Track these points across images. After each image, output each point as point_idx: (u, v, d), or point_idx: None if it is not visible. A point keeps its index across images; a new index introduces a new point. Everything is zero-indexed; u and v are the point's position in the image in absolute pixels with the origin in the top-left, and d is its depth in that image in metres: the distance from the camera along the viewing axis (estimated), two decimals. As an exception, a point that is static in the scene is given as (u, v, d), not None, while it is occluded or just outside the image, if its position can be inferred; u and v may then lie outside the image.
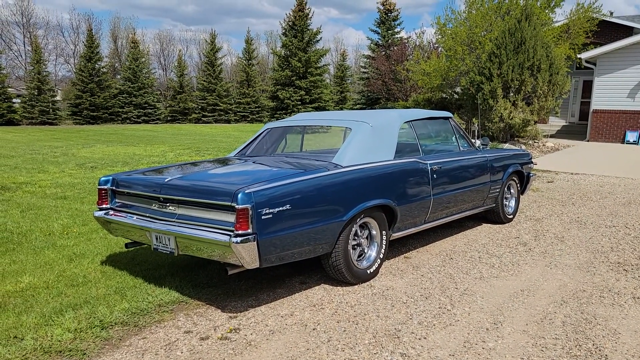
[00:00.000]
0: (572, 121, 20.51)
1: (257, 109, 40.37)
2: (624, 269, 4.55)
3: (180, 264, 4.70)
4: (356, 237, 4.14)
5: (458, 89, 18.09)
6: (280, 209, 3.44)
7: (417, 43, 22.32)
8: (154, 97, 39.09)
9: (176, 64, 41.37)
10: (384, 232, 4.34)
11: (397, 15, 27.70)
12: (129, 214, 4.13)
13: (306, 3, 26.80)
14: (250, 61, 39.84)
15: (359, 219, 4.08)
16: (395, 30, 27.91)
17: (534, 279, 4.32)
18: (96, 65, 36.36)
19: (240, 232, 3.27)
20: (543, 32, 14.27)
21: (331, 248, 3.90)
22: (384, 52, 25.58)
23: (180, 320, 3.56)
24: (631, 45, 15.49)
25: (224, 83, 39.52)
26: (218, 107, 37.76)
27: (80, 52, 47.66)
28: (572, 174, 10.33)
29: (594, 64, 16.28)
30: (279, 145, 5.27)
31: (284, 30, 27.76)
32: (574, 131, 18.96)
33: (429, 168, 4.76)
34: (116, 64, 50.33)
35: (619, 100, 15.84)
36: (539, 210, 7.01)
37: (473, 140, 5.80)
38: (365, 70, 29.17)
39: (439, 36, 18.02)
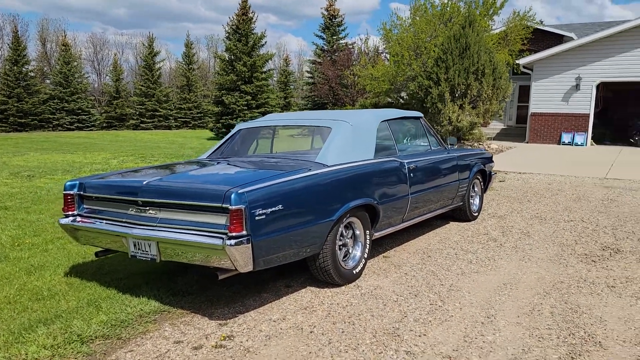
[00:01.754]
0: (509, 124, 21.49)
1: (199, 115, 39.46)
2: (592, 260, 4.75)
3: (153, 271, 4.46)
4: (341, 238, 4.08)
5: (404, 94, 18.49)
6: (273, 209, 3.33)
7: (363, 49, 22.69)
8: (88, 103, 37.22)
9: (112, 68, 39.73)
10: (367, 231, 4.30)
11: (341, 21, 28.04)
12: (100, 220, 3.86)
13: (250, 7, 26.50)
14: (190, 65, 38.94)
15: (345, 219, 4.02)
16: (340, 35, 28.25)
17: (513, 272, 4.42)
18: (23, 69, 34.21)
19: (233, 234, 3.12)
20: (484, 38, 14.85)
21: (320, 249, 3.81)
22: (329, 57, 25.78)
23: (167, 330, 3.35)
24: (564, 51, 16.43)
25: (164, 88, 38.34)
26: (157, 113, 36.57)
27: (4, 55, 44.79)
28: (520, 173, 10.77)
29: (531, 69, 17.14)
30: (253, 146, 5.13)
31: (227, 34, 27.26)
32: (512, 134, 19.86)
33: (407, 167, 4.79)
34: (45, 68, 47.68)
35: (555, 103, 16.75)
36: (499, 207, 7.23)
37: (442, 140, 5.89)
38: (311, 75, 29.28)
39: (386, 42, 18.37)
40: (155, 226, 3.51)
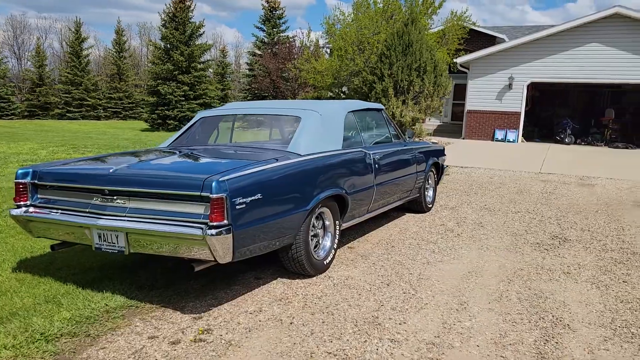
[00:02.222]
0: (445, 121, 22.26)
1: (130, 105, 37.82)
2: (545, 249, 5.00)
3: (111, 265, 4.22)
4: (313, 228, 4.04)
5: (345, 89, 18.66)
6: (253, 198, 3.23)
7: (306, 42, 22.65)
8: (7, 90, 34.70)
9: (34, 54, 37.20)
10: (337, 222, 4.29)
11: (282, 13, 27.82)
12: (59, 211, 3.58)
13: (187, -6, 25.69)
14: (121, 53, 37.20)
15: (317, 209, 3.98)
16: (281, 28, 28.02)
17: (475, 261, 4.57)
18: None
19: (214, 223, 3.00)
20: (425, 36, 15.24)
21: (294, 239, 3.75)
22: (270, 50, 25.52)
23: (139, 326, 3.17)
24: (499, 52, 17.21)
25: (92, 76, 36.37)
26: (85, 102, 34.65)
27: None
28: (462, 167, 11.18)
29: (468, 68, 17.81)
30: (215, 134, 4.95)
31: (163, 22, 26.25)
32: (448, 130, 20.59)
33: (372, 158, 4.81)
34: (-42, 51, 43.83)
35: (489, 101, 17.52)
36: (449, 199, 7.46)
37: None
38: (250, 68, 28.83)
39: (329, 36, 18.41)
40: (125, 216, 3.30)
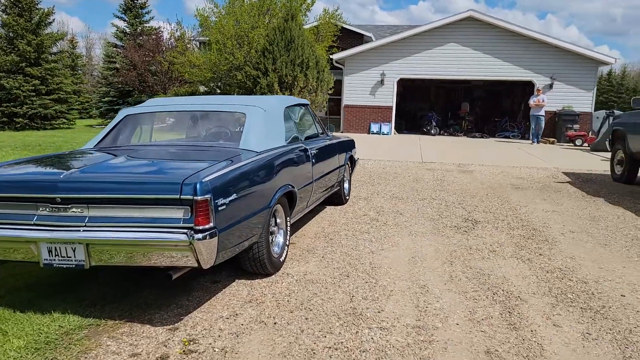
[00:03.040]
0: (321, 116, 22.96)
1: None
2: (464, 231, 5.49)
3: (41, 282, 3.74)
4: (270, 225, 3.98)
5: (220, 84, 18.28)
6: (230, 198, 3.12)
7: (178, 34, 21.62)
8: None
9: None
10: (288, 218, 4.27)
11: (145, 3, 26.12)
12: None
13: (32, -23, 22.99)
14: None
15: (275, 206, 3.93)
16: (144, 19, 26.34)
17: (412, 247, 4.86)
18: None
19: (200, 227, 2.83)
20: (305, 32, 15.54)
21: (258, 238, 3.67)
22: (133, 41, 23.86)
23: (111, 345, 2.88)
24: (371, 49, 18.20)
25: None
26: None
27: None
28: (353, 159, 11.66)
29: (343, 65, 18.56)
30: (147, 133, 4.60)
31: (4, 7, 23.26)
32: (326, 124, 21.28)
33: (310, 152, 4.86)
34: None
35: (364, 96, 18.46)
36: (358, 190, 7.77)
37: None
38: (112, 60, 26.73)
39: (204, 29, 17.82)
40: (84, 226, 2.95)
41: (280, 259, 4.11)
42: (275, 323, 3.19)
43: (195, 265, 2.94)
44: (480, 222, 5.86)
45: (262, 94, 14.38)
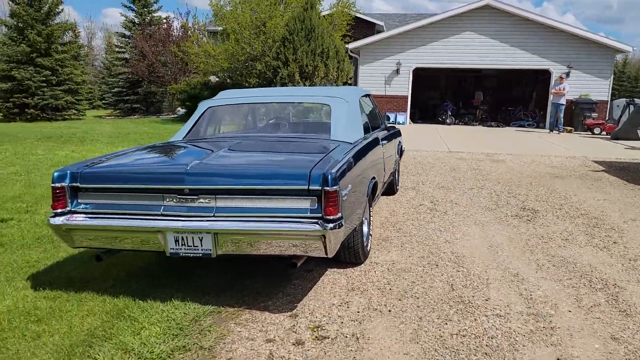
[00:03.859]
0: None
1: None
2: (527, 220, 5.54)
3: (146, 273, 3.77)
4: (360, 215, 4.03)
5: (237, 74, 18.23)
6: (349, 189, 3.17)
7: (191, 24, 21.49)
8: None
9: None
10: (371, 208, 4.31)
11: (154, -8, 25.93)
12: (116, 216, 3.12)
13: (40, -33, 22.76)
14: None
15: (369, 195, 3.97)
16: (152, 8, 26.13)
17: (483, 236, 4.91)
18: None
19: (331, 217, 2.88)
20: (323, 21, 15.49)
21: (358, 227, 3.72)
22: (142, 31, 23.67)
23: (242, 331, 2.96)
24: (386, 38, 18.16)
25: None
26: None
27: None
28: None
29: (358, 54, 18.53)
30: (232, 125, 4.63)
31: (12, -3, 23.07)
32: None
33: (381, 142, 4.90)
34: None
35: (380, 86, 18.45)
36: (403, 181, 7.81)
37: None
38: (122, 50, 26.54)
39: (218, 18, 17.72)
40: (212, 216, 2.99)
41: (367, 248, 4.16)
42: (389, 311, 3.24)
43: (322, 254, 2.98)
44: (539, 211, 5.91)
45: (282, 84, 14.36)
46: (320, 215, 2.90)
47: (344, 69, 14.97)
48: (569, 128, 16.52)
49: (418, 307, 3.30)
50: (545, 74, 17.89)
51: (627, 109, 14.55)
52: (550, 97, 16.30)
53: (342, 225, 2.93)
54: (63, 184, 3.13)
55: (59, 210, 3.13)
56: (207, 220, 2.98)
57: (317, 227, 2.85)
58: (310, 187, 2.89)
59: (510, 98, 21.47)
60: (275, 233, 2.91)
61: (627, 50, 17.40)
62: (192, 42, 19.16)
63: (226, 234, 2.96)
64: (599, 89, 17.05)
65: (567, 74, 16.98)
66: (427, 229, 5.10)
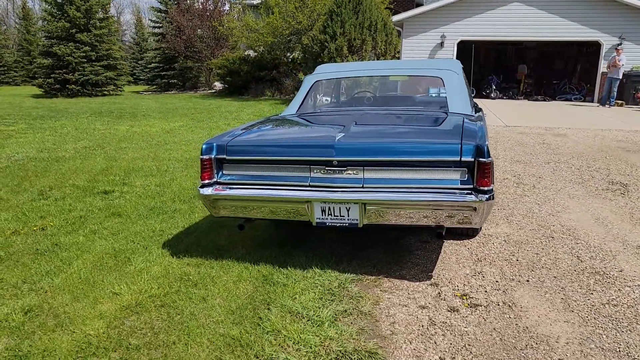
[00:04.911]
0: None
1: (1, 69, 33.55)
2: (620, 193, 5.48)
3: (272, 242, 3.87)
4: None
5: (261, 49, 18.17)
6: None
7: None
8: None
9: None
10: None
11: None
12: (263, 187, 3.21)
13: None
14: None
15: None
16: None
17: (584, 209, 4.88)
18: None
19: (485, 188, 2.90)
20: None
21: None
22: (177, 5, 23.66)
23: (390, 298, 3.06)
24: (431, 10, 17.82)
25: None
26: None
27: None
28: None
29: (401, 27, 18.25)
30: (337, 98, 4.65)
31: (50, -28, 23.20)
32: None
33: (482, 114, 4.86)
34: None
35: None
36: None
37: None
38: (159, 25, 26.62)
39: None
40: (361, 187, 3.04)
41: (481, 220, 4.18)
42: (527, 281, 3.28)
43: (470, 225, 3.02)
44: (629, 185, 5.84)
45: (330, 58, 14.27)
46: (472, 186, 2.92)
47: (392, 42, 14.78)
48: (620, 102, 16.11)
49: (555, 277, 3.33)
50: (591, 46, 17.37)
51: (685, 82, 14.09)
52: (601, 70, 15.85)
53: (494, 196, 2.95)
54: (210, 155, 3.22)
55: (206, 181, 3.22)
56: (356, 191, 3.03)
57: (473, 197, 2.88)
58: (463, 159, 2.90)
59: (552, 71, 20.97)
60: (428, 205, 2.95)
61: (684, 21, 16.74)
62: (233, 17, 19.09)
63: (375, 204, 3.01)
64: (652, 61, 16.52)
65: (619, 45, 16.47)
66: (524, 202, 5.09)
